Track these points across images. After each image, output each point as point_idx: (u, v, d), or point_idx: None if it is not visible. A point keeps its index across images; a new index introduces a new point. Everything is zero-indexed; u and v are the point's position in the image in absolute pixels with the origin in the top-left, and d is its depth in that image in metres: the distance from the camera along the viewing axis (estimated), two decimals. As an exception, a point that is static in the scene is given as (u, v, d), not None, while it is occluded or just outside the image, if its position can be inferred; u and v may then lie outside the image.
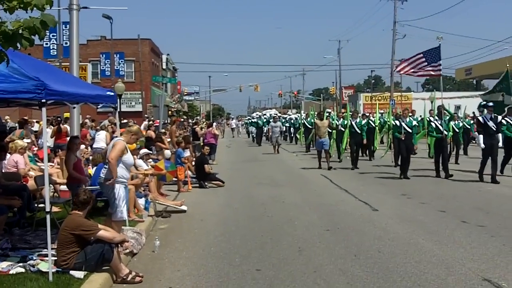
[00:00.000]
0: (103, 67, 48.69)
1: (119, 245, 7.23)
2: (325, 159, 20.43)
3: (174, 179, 14.94)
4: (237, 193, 14.78)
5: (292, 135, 40.88)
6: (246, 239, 9.08)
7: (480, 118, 16.48)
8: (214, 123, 31.37)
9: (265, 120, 41.70)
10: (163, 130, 23.44)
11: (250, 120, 52.20)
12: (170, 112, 55.95)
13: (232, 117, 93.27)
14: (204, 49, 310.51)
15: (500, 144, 16.39)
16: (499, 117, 16.39)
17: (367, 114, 28.50)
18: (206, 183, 16.00)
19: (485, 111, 16.61)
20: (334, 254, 7.98)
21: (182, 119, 45.05)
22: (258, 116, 47.02)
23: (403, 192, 13.98)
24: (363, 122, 22.11)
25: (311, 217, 10.94)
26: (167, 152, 17.10)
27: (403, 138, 16.92)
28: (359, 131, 21.22)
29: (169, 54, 69.22)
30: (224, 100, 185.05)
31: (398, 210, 11.56)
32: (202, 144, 21.90)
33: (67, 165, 10.26)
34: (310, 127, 29.43)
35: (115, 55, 46.72)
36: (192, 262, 7.79)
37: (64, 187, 11.52)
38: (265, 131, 39.38)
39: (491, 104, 16.61)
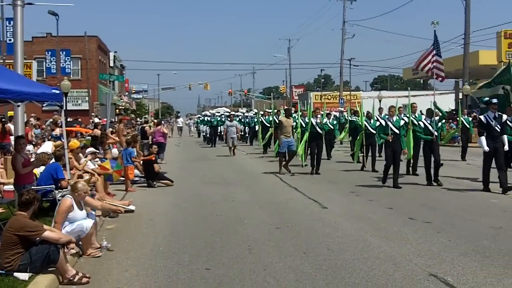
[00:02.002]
0: (48, 65, 47.69)
1: (65, 246, 7.08)
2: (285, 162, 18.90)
3: (121, 178, 14.74)
4: (186, 192, 14.66)
5: (247, 134, 36.99)
6: (195, 238, 9.00)
7: (482, 118, 13.81)
8: (162, 122, 30.52)
9: (218, 119, 37.90)
10: (110, 129, 23.09)
11: (201, 119, 46.92)
12: (117, 110, 55.20)
13: (179, 115, 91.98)
14: (153, 46, 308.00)
15: (506, 147, 13.60)
16: (504, 116, 13.90)
17: (330, 112, 28.74)
18: (154, 183, 15.81)
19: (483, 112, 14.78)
20: (283, 252, 7.98)
21: (129, 118, 44.55)
22: (211, 114, 43.54)
23: (351, 190, 14.14)
24: (325, 120, 19.93)
25: (261, 216, 10.94)
26: (114, 151, 16.84)
27: (390, 140, 14.53)
28: (320, 131, 18.53)
29: (116, 51, 68.29)
30: (173, 98, 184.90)
31: (347, 208, 11.68)
32: (150, 143, 21.64)
33: (15, 166, 9.94)
34: (268, 125, 27.44)
35: (61, 52, 45.85)
36: (140, 263, 7.66)
37: (8, 187, 11.21)
38: (219, 131, 36.89)
39: (495, 100, 13.94)
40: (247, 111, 48.99)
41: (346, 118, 27.44)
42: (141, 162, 16.66)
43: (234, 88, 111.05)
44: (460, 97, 39.55)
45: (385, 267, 7.13)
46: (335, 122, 25.31)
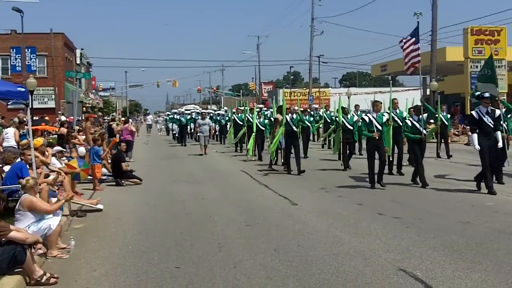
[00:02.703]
0: (13, 62, 46.86)
1: (32, 246, 6.95)
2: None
3: (89, 177, 14.56)
4: (155, 190, 14.55)
5: (217, 133, 36.02)
6: (164, 237, 8.92)
7: (474, 113, 12.88)
8: (130, 120, 29.97)
9: (188, 117, 37.17)
10: (77, 127, 22.78)
11: (170, 116, 45.30)
12: (84, 108, 54.52)
13: (148, 112, 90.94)
14: (120, 43, 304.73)
15: (500, 144, 12.88)
16: (498, 111, 13.07)
17: (306, 109, 28.58)
18: (122, 181, 15.65)
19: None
20: (254, 249, 7.96)
21: (97, 116, 44.00)
22: (180, 112, 42.75)
23: (321, 187, 14.18)
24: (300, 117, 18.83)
25: (231, 213, 10.90)
26: (81, 150, 16.61)
27: (376, 137, 13.54)
28: (295, 129, 17.73)
29: (83, 48, 67.39)
30: (141, 96, 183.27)
31: (317, 204, 11.71)
32: (118, 141, 21.41)
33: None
34: (240, 123, 26.21)
35: (26, 49, 45.00)
36: (109, 262, 7.56)
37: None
38: (189, 129, 36.39)
39: (487, 94, 13.07)
40: (218, 109, 48.45)
41: (321, 115, 27.60)
42: (109, 160, 16.48)
43: (203, 85, 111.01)
44: (428, 93, 39.99)
45: (355, 262, 7.16)
46: (311, 119, 25.24)
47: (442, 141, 21.62)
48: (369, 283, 6.33)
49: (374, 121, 13.74)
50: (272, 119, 19.82)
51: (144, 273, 6.97)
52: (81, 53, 65.24)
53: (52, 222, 7.95)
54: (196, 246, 8.24)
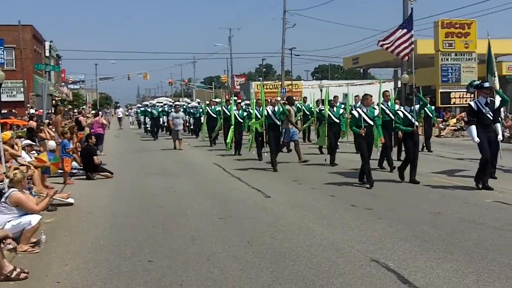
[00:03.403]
0: (-20, 55, 45.84)
1: (1, 241, 6.83)
2: (294, 152, 18.48)
3: (59, 171, 14.37)
4: (127, 184, 14.42)
5: (192, 126, 34.72)
6: (137, 231, 8.85)
7: (472, 103, 12.13)
8: (100, 113, 29.25)
9: (160, 109, 35.97)
10: (47, 121, 22.45)
11: (142, 109, 43.50)
12: (54, 101, 53.77)
13: (119, 105, 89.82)
14: (90, 36, 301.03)
15: (500, 137, 12.50)
16: (497, 101, 12.46)
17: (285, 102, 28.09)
18: (93, 175, 15.47)
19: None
20: (227, 242, 7.94)
21: (67, 109, 43.44)
22: (152, 104, 41.28)
23: (294, 179, 14.20)
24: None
25: (204, 206, 10.86)
26: (51, 143, 16.36)
27: (363, 134, 12.68)
28: (279, 123, 16.73)
29: (52, 41, 66.36)
30: (111, 88, 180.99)
31: (290, 196, 11.74)
32: (88, 134, 21.15)
33: None
34: (214, 116, 25.88)
35: (-7, 42, 44.11)
36: (80, 256, 7.47)
37: None
38: (161, 122, 35.40)
39: (487, 84, 12.38)
40: (191, 101, 47.71)
41: (299, 107, 27.50)
42: (79, 154, 16.28)
43: (174, 77, 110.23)
44: (399, 85, 40.33)
45: (327, 253, 7.19)
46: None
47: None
48: (342, 274, 6.36)
49: (364, 116, 12.82)
50: (251, 111, 19.55)
51: (116, 267, 6.90)
52: (50, 46, 64.26)
53: (33, 218, 7.92)
54: (168, 240, 8.19)
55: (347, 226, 8.75)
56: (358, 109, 13.25)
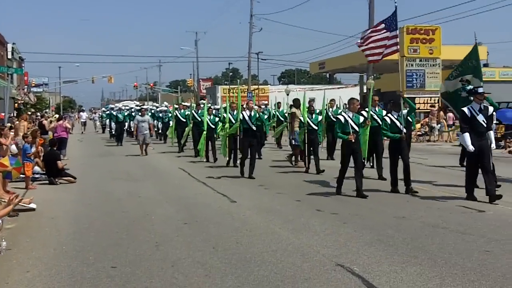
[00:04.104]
0: None
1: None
2: (293, 158, 18.07)
3: (21, 176, 14.09)
4: (91, 189, 14.21)
5: (160, 131, 33.60)
6: (100, 236, 8.71)
7: (466, 110, 11.43)
8: (64, 116, 28.42)
9: (126, 113, 34.48)
10: (9, 124, 22.03)
11: (107, 113, 41.97)
12: (16, 105, 52.82)
13: (83, 109, 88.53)
14: (53, 38, 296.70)
15: (493, 145, 11.82)
16: (491, 108, 11.73)
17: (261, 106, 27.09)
18: (56, 180, 15.21)
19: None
20: (192, 247, 7.87)
21: (30, 113, 42.70)
22: (117, 108, 39.11)
23: (260, 183, 14.20)
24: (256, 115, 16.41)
25: (169, 211, 10.76)
26: (13, 148, 16.03)
27: (352, 140, 11.88)
28: (254, 128, 16.02)
29: (15, 43, 65.23)
30: (75, 92, 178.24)
31: (256, 201, 11.72)
32: (52, 138, 20.82)
33: None
34: (184, 120, 24.80)
35: (-47, 44, 43.21)
36: (42, 263, 7.31)
37: None
38: (126, 126, 33.97)
39: (481, 90, 11.54)
40: (156, 105, 46.99)
41: (270, 111, 27.33)
42: (42, 158, 16.00)
43: (139, 81, 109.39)
44: (365, 91, 40.79)
45: (293, 258, 7.18)
46: (265, 116, 23.74)
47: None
48: (307, 279, 6.35)
49: (350, 121, 12.08)
50: (224, 116, 18.74)
51: (79, 274, 6.77)
52: (12, 48, 63.13)
53: None
54: (133, 245, 8.08)
55: (312, 231, 8.77)
56: (343, 114, 12.50)
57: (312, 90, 55.24)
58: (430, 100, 39.41)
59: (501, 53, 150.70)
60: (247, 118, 15.85)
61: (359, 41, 15.15)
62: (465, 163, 13.00)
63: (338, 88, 56.53)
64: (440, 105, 35.09)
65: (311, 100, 18.83)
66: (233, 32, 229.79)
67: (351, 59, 50.35)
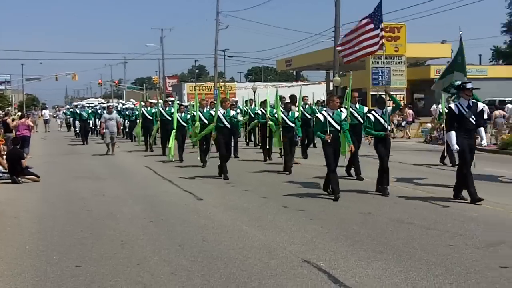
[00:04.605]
0: None
1: None
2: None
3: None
4: (54, 187, 13.99)
5: (127, 129, 32.57)
6: (64, 235, 8.59)
7: (453, 106, 10.75)
8: (27, 114, 27.73)
9: (90, 111, 33.67)
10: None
11: (71, 110, 40.64)
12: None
13: (46, 106, 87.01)
14: (16, 34, 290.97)
15: (484, 142, 11.41)
16: (480, 105, 11.15)
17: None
18: (19, 178, 14.93)
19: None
20: (158, 246, 7.81)
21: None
22: (81, 106, 38.70)
23: (227, 181, 14.14)
24: (232, 113, 15.59)
25: (134, 210, 10.66)
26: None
27: (328, 140, 11.16)
28: (228, 125, 15.09)
29: (-24, 40, 64.03)
30: (39, 89, 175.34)
31: (223, 199, 11.68)
32: (15, 136, 20.44)
33: None
34: (150, 118, 23.54)
35: None
36: (5, 262, 7.18)
37: None
38: (92, 124, 33.52)
39: (470, 85, 10.77)
40: (127, 102, 46.12)
41: (241, 109, 26.26)
42: (5, 157, 15.69)
43: (104, 78, 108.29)
44: (331, 88, 41.06)
45: (260, 255, 7.18)
46: (238, 114, 21.73)
47: None
48: (274, 275, 6.35)
49: (330, 119, 11.37)
50: (194, 114, 17.48)
51: (43, 273, 6.66)
52: (-27, 45, 61.91)
53: None
54: (97, 244, 7.99)
55: (279, 228, 8.78)
56: (323, 111, 11.77)
57: (280, 87, 55.25)
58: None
59: (465, 50, 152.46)
60: (221, 116, 14.99)
61: (339, 48, 14.61)
62: (445, 161, 12.75)
63: (306, 85, 56.60)
64: (405, 102, 35.53)
65: (283, 98, 18.31)
66: (199, 29, 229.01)
67: (318, 56, 50.75)
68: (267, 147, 18.16)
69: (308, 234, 8.32)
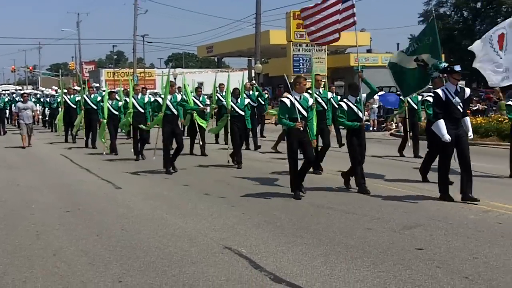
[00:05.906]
0: None
1: None
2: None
3: None
4: (-35, 177, 13.35)
5: (48, 118, 30.16)
6: (-26, 227, 8.19)
7: (440, 91, 9.38)
8: None
9: (7, 99, 30.77)
10: None
11: None
12: None
13: None
14: None
15: (470, 133, 9.71)
16: (467, 90, 9.72)
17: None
18: None
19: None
20: (75, 236, 7.58)
21: None
22: None
23: (148, 169, 13.85)
24: (178, 97, 14.27)
25: (50, 199, 10.30)
26: None
27: (301, 128, 9.70)
28: (176, 112, 13.73)
29: None
30: None
31: (143, 187, 11.49)
32: None
33: None
34: (74, 107, 21.76)
35: None
36: None
37: None
38: (7, 114, 30.93)
39: (458, 68, 9.41)
40: (48, 89, 44.10)
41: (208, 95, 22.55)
42: None
43: (17, 64, 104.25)
44: (253, 75, 41.25)
45: (180, 243, 7.10)
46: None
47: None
48: (194, 263, 6.29)
49: (298, 105, 9.93)
50: (126, 100, 16.44)
51: (-51, 268, 6.32)
52: None
53: None
54: (11, 235, 7.67)
55: (200, 215, 8.71)
56: (290, 96, 10.12)
57: (201, 73, 55.05)
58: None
59: (384, 39, 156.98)
60: (169, 103, 13.51)
61: (303, 23, 12.85)
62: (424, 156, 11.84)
63: (226, 71, 56.58)
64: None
65: (200, 86, 17.48)
66: (117, 14, 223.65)
67: (239, 43, 50.74)
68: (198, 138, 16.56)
69: (229, 220, 8.30)
